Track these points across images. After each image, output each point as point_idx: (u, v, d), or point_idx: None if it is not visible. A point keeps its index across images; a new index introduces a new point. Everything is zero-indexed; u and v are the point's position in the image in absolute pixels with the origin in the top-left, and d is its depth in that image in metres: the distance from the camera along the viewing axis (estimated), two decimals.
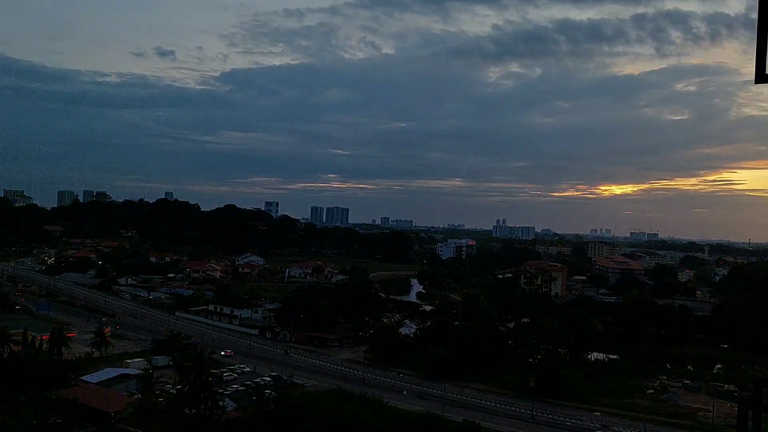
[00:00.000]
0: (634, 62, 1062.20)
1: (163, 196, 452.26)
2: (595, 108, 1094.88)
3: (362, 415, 78.71)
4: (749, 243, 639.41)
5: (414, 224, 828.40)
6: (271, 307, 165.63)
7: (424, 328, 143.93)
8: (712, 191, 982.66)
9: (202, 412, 73.38)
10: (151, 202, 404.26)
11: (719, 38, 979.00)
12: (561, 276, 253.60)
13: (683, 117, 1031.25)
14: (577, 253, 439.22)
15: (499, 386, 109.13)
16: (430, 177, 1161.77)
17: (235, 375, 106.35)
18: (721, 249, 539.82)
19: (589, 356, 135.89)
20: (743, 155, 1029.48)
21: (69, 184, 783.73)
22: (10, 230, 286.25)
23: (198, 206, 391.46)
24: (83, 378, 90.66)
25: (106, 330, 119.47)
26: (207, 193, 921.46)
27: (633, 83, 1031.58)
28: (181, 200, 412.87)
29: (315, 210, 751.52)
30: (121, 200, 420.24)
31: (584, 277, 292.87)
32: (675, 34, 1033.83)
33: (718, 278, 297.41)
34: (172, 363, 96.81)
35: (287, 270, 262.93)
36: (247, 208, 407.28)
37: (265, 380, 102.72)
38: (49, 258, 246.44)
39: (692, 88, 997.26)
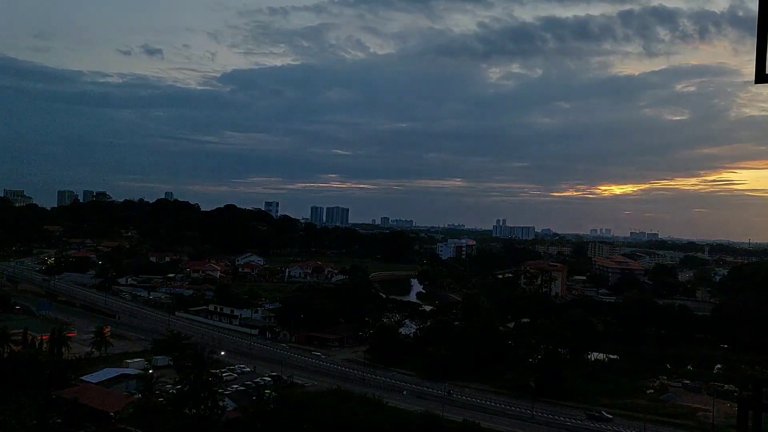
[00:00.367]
0: (633, 63, 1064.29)
1: (163, 196, 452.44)
2: (595, 108, 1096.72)
3: (362, 415, 78.75)
4: (749, 243, 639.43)
5: (414, 224, 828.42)
6: (271, 307, 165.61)
7: (424, 328, 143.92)
8: (712, 191, 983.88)
9: (202, 412, 73.45)
10: (151, 202, 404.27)
11: (708, 36, 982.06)
12: (561, 276, 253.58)
13: (683, 117, 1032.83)
14: (577, 253, 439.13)
15: (499, 386, 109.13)
16: (430, 177, 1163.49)
17: (235, 375, 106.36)
18: (721, 249, 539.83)
19: (589, 356, 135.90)
20: (743, 155, 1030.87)
21: (69, 184, 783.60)
22: (10, 230, 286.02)
23: (198, 206, 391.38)
24: (83, 378, 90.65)
25: (106, 330, 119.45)
26: (207, 193, 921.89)
27: (633, 84, 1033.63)
28: (181, 200, 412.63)
29: (315, 210, 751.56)
30: (121, 200, 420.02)
31: (584, 277, 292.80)
32: (662, 32, 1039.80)
33: (718, 278, 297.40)
34: (172, 363, 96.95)
35: (287, 270, 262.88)
36: (247, 208, 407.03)
37: (265, 380, 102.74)
38: (49, 258, 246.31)
39: (692, 89, 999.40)
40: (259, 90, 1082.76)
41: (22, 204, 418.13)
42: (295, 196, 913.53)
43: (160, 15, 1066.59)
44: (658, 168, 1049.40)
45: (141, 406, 76.32)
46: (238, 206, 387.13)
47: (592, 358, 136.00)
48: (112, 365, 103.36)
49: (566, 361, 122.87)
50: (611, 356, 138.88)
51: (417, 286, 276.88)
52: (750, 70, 6.79)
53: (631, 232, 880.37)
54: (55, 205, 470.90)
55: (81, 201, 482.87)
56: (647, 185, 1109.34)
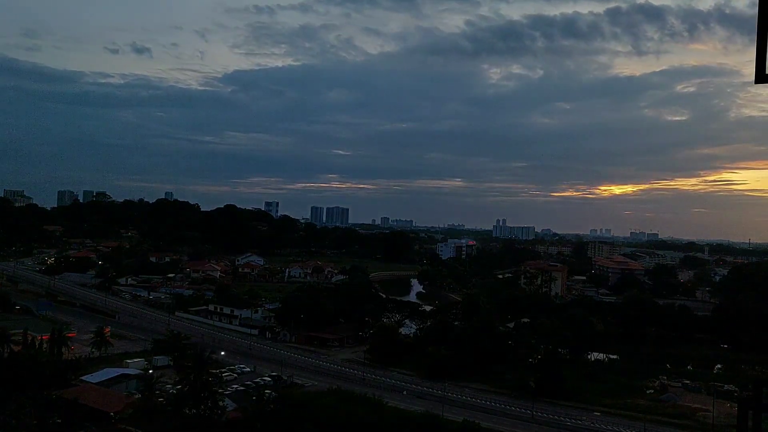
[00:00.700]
0: (634, 63, 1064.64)
1: (163, 196, 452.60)
2: (595, 109, 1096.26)
3: (362, 415, 78.71)
4: (749, 243, 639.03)
5: (414, 224, 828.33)
6: (271, 307, 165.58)
7: (424, 328, 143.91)
8: (712, 191, 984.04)
9: (202, 412, 73.46)
10: (151, 202, 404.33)
11: (697, 33, 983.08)
12: (561, 276, 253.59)
13: (683, 117, 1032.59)
14: (577, 253, 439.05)
15: (499, 386, 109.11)
16: (430, 177, 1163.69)
17: (235, 375, 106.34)
18: (721, 249, 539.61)
19: (589, 356, 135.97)
20: (743, 155, 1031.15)
21: (69, 184, 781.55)
22: (10, 230, 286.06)
23: (198, 206, 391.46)
24: (83, 378, 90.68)
25: (106, 330, 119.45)
26: (207, 193, 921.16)
27: (634, 84, 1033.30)
28: (181, 200, 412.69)
29: (315, 210, 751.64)
30: (121, 200, 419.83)
31: (584, 277, 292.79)
32: (651, 30, 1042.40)
33: (718, 278, 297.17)
34: (172, 363, 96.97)
35: (287, 270, 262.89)
36: (247, 208, 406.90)
37: (265, 380, 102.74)
38: (49, 258, 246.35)
39: (692, 89, 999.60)
40: (260, 90, 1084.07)
41: (22, 204, 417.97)
42: (295, 196, 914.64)
43: (147, 13, 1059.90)
44: (658, 168, 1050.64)
45: (141, 406, 76.33)
46: (238, 206, 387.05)
47: (592, 358, 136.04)
48: (112, 365, 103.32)
49: (566, 361, 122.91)
50: (611, 356, 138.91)
51: (417, 286, 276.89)
52: (749, 70, 6.79)
53: (631, 232, 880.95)
54: (55, 205, 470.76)
55: (81, 201, 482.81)
56: (647, 185, 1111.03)
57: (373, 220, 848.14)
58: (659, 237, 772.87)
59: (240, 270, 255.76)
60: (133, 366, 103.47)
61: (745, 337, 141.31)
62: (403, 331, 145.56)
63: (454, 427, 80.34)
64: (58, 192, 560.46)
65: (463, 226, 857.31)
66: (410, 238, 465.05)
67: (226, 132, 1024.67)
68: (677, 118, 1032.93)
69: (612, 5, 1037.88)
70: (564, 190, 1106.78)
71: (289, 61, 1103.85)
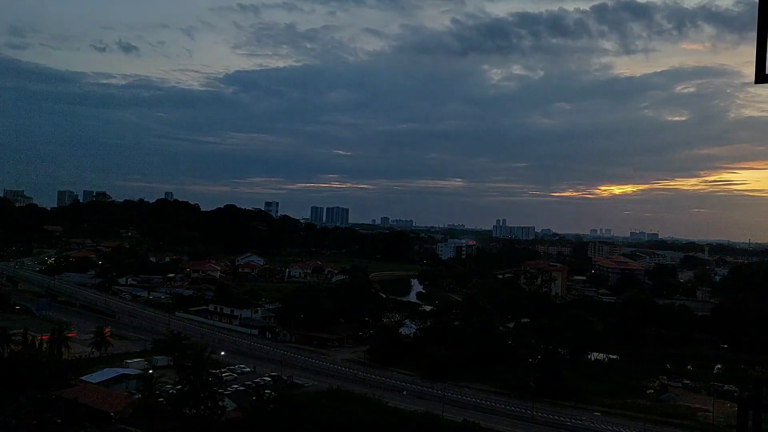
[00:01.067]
0: (634, 64, 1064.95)
1: (163, 196, 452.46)
2: (596, 109, 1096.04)
3: (362, 415, 78.71)
4: (749, 243, 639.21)
5: (414, 224, 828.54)
6: (271, 307, 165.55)
7: (424, 328, 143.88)
8: (712, 191, 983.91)
9: (202, 412, 73.44)
10: (151, 202, 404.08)
11: (685, 31, 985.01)
12: (561, 276, 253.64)
13: (683, 118, 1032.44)
14: (577, 253, 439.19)
15: (499, 386, 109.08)
16: (430, 177, 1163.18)
17: (235, 375, 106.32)
18: (721, 249, 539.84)
19: (589, 356, 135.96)
20: (743, 156, 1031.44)
21: (69, 184, 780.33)
22: (10, 230, 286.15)
23: (198, 206, 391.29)
24: (83, 378, 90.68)
25: (106, 330, 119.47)
26: (207, 193, 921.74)
27: (634, 85, 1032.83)
28: (181, 200, 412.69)
29: (315, 210, 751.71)
30: (121, 200, 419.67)
31: (584, 277, 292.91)
32: (638, 28, 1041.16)
33: (718, 278, 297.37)
34: (172, 363, 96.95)
35: (287, 270, 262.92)
36: (247, 208, 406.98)
37: (265, 380, 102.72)
38: (49, 258, 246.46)
39: (692, 90, 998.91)
40: (261, 91, 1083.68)
41: (22, 204, 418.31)
42: (295, 196, 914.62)
43: (133, 11, 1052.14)
44: (658, 168, 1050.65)
45: (141, 406, 76.24)
46: (238, 206, 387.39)
47: (592, 358, 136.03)
48: (112, 365, 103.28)
49: (566, 361, 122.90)
50: (611, 356, 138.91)
51: (417, 286, 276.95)
52: (748, 70, 6.78)
53: (631, 232, 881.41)
54: (55, 205, 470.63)
55: (81, 201, 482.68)
56: (647, 185, 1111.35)
57: (373, 220, 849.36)
58: (659, 237, 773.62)
59: (240, 270, 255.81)
60: (133, 366, 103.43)
61: (745, 337, 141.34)
62: (403, 331, 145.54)
63: (454, 427, 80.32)
64: (58, 192, 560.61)
65: (463, 226, 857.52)
66: (410, 238, 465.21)
67: (227, 132, 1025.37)
68: (677, 119, 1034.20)
69: (598, 2, 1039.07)
70: (564, 190, 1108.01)
71: (290, 62, 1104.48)
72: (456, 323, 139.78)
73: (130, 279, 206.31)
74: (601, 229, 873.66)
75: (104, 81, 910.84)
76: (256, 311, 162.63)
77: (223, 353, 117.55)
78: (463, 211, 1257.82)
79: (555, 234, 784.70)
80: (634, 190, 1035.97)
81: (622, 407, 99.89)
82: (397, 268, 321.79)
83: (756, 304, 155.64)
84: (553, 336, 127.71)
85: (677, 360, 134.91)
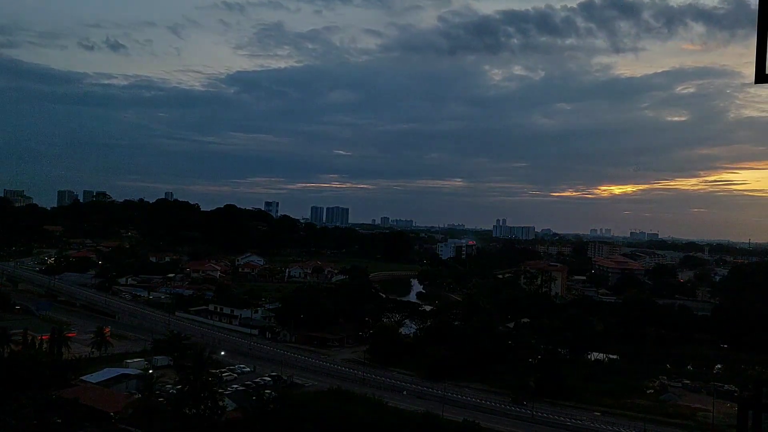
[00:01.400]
0: (635, 65, 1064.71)
1: (164, 196, 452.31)
2: (596, 109, 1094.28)
3: (362, 415, 78.71)
4: (749, 243, 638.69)
5: (414, 224, 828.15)
6: (271, 307, 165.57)
7: (424, 328, 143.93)
8: (712, 191, 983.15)
9: (202, 412, 73.42)
10: (151, 202, 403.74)
11: (674, 28, 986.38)
12: (561, 276, 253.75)
13: (683, 118, 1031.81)
14: (577, 253, 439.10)
15: (499, 386, 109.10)
16: (430, 177, 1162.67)
17: (235, 375, 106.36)
18: (721, 249, 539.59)
19: (589, 356, 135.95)
20: (743, 156, 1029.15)
21: (69, 184, 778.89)
22: (10, 230, 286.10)
23: (198, 206, 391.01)
24: (83, 378, 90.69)
25: (106, 330, 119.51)
26: (207, 193, 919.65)
27: (634, 85, 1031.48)
28: (181, 200, 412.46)
29: (315, 210, 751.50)
30: (121, 200, 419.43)
31: (584, 277, 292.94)
32: (625, 25, 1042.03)
33: (718, 278, 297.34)
34: (172, 363, 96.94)
35: (287, 270, 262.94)
36: (247, 208, 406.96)
37: (265, 380, 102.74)
38: (49, 258, 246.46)
39: (692, 90, 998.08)
40: (262, 91, 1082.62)
41: (22, 204, 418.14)
42: (295, 196, 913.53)
43: (118, 9, 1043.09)
44: (658, 168, 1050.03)
45: (141, 406, 76.23)
46: (239, 206, 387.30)
47: (592, 358, 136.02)
48: (112, 365, 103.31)
49: (566, 361, 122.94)
50: (611, 356, 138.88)
51: (417, 286, 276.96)
52: (748, 71, 6.79)
53: (631, 232, 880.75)
54: (55, 205, 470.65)
55: (81, 201, 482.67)
56: (647, 185, 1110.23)
57: (373, 220, 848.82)
58: (659, 237, 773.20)
59: (240, 270, 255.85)
60: (133, 366, 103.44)
61: (745, 337, 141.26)
62: (403, 331, 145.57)
63: (454, 427, 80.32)
64: (58, 192, 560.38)
65: (463, 226, 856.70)
66: (410, 238, 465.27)
67: (228, 132, 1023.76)
68: (677, 119, 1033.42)
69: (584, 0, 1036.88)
70: (564, 190, 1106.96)
71: (291, 62, 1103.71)
72: (456, 323, 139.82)
73: (130, 279, 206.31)
74: (601, 229, 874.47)
75: (106, 81, 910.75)
76: (256, 311, 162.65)
77: (223, 353, 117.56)
78: (463, 211, 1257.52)
79: (555, 234, 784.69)
80: (634, 190, 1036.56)
81: (622, 407, 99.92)
82: (397, 268, 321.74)
83: (756, 304, 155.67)
84: (553, 336, 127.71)
85: (677, 360, 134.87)
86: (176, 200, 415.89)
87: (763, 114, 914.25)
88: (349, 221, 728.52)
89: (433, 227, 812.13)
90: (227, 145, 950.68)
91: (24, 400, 69.17)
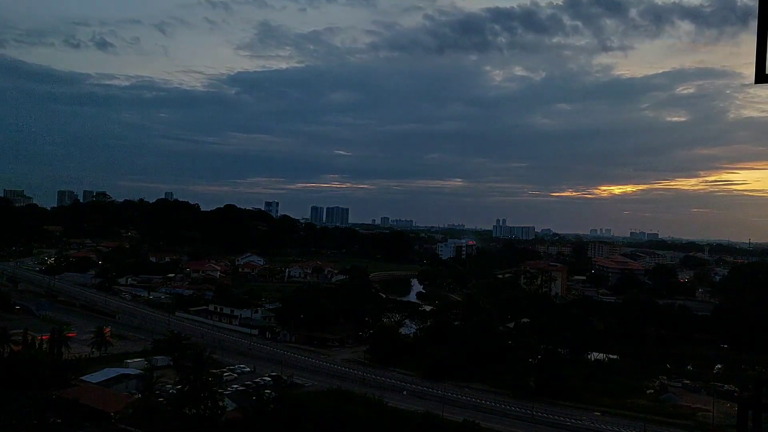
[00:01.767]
0: (635, 65, 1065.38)
1: (164, 196, 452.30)
2: (596, 110, 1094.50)
3: (362, 415, 78.69)
4: (749, 243, 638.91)
5: (414, 224, 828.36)
6: (271, 307, 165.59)
7: (424, 328, 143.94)
8: (711, 191, 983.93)
9: (202, 412, 73.40)
10: (151, 202, 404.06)
11: (661, 25, 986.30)
12: (561, 276, 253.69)
13: (683, 119, 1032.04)
14: (577, 253, 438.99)
15: (499, 386, 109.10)
16: (430, 177, 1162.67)
17: (235, 375, 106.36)
18: (721, 249, 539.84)
19: (589, 356, 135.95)
20: (742, 156, 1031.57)
21: (69, 184, 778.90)
22: (10, 230, 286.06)
23: (198, 206, 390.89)
24: (83, 378, 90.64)
25: (106, 330, 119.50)
26: (207, 193, 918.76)
27: (635, 86, 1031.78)
28: (181, 200, 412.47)
29: (315, 210, 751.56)
30: (121, 200, 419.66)
31: (584, 277, 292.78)
32: (611, 23, 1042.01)
33: (718, 278, 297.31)
34: (172, 363, 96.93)
35: (287, 270, 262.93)
36: (247, 208, 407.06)
37: (265, 380, 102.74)
38: (49, 258, 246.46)
39: (691, 91, 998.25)
40: (264, 92, 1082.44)
41: (22, 204, 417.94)
42: (295, 196, 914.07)
43: (103, 6, 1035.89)
44: (658, 168, 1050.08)
45: (141, 406, 76.29)
46: (239, 206, 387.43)
47: (592, 358, 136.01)
48: (112, 365, 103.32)
49: (566, 361, 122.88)
50: (611, 356, 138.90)
51: (417, 287, 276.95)
52: (748, 71, 6.79)
53: (631, 232, 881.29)
54: (55, 205, 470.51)
55: (81, 201, 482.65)
56: (647, 185, 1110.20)
57: (373, 220, 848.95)
58: (659, 237, 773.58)
59: (240, 270, 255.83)
60: (133, 366, 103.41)
61: (745, 337, 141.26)
62: (403, 331, 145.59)
63: (454, 427, 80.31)
64: (58, 192, 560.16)
65: (463, 226, 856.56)
66: (410, 238, 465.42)
67: (229, 132, 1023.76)
68: (677, 119, 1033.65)
69: None
70: (564, 190, 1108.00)
71: (293, 63, 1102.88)
72: (456, 323, 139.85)
73: (130, 279, 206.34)
74: (601, 229, 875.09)
75: (107, 82, 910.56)
76: (256, 311, 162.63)
77: (223, 353, 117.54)
78: (463, 211, 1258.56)
79: (555, 234, 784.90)
80: (634, 190, 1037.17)
81: (622, 407, 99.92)
82: (397, 268, 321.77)
83: (756, 304, 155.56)
84: (553, 336, 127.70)
85: (677, 360, 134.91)
86: (176, 200, 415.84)
87: (763, 114, 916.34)
88: (349, 221, 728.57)
89: (433, 227, 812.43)
90: (228, 145, 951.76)
91: (24, 400, 69.15)
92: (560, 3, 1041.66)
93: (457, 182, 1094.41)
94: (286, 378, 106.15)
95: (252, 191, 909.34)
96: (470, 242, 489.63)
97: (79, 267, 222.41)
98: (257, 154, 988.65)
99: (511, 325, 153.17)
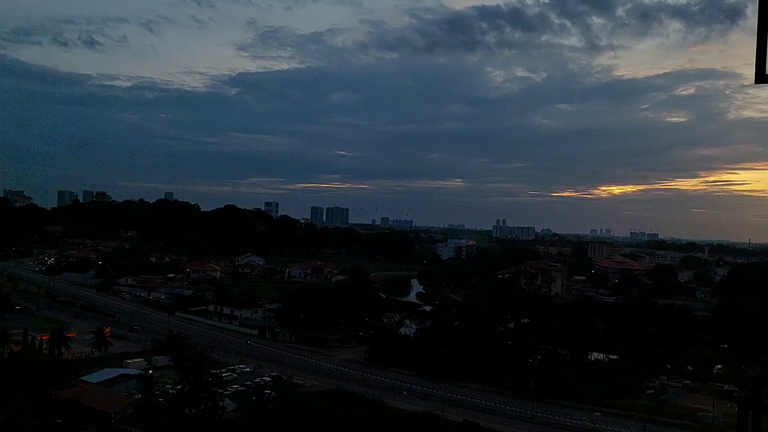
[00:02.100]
0: (636, 66, 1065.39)
1: (163, 196, 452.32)
2: (596, 111, 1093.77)
3: (362, 415, 78.72)
4: (749, 243, 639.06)
5: (414, 224, 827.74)
6: (271, 307, 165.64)
7: (424, 328, 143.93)
8: (711, 191, 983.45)
9: (202, 412, 73.34)
10: (151, 202, 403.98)
11: (648, 23, 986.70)
12: (561, 276, 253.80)
13: (683, 119, 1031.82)
14: (577, 253, 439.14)
15: (498, 386, 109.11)
16: (430, 177, 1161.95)
17: (235, 375, 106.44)
18: (721, 249, 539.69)
19: (589, 356, 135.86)
20: (742, 156, 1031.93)
21: (69, 184, 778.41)
22: (10, 230, 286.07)
23: (198, 206, 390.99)
24: (83, 378, 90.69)
25: (106, 330, 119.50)
26: (207, 193, 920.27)
27: (636, 87, 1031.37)
28: (181, 200, 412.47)
29: (315, 210, 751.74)
30: (121, 200, 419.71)
31: (584, 277, 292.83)
32: (599, 21, 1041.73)
33: (718, 278, 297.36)
34: (172, 363, 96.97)
35: (287, 270, 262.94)
36: (248, 209, 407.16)
37: (265, 380, 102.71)
38: (49, 258, 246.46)
39: (691, 91, 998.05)
40: (265, 92, 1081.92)
41: (22, 204, 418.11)
42: (295, 196, 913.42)
43: (89, 4, 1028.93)
44: (658, 169, 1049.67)
45: (141, 406, 76.31)
46: (239, 206, 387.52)
47: (592, 358, 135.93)
48: (112, 365, 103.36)
49: (566, 361, 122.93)
50: (611, 356, 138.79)
51: (417, 287, 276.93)
52: (748, 72, 6.79)
53: (631, 232, 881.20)
54: (55, 205, 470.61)
55: (81, 201, 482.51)
56: (647, 185, 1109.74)
57: (373, 220, 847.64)
58: (659, 237, 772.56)
59: (240, 270, 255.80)
60: (133, 366, 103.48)
61: (745, 337, 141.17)
62: (403, 331, 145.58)
63: (454, 427, 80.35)
64: (58, 192, 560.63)
65: (463, 226, 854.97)
66: (410, 238, 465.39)
67: (229, 133, 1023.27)
68: (677, 120, 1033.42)
69: None
70: (564, 191, 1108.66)
71: (294, 64, 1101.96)
72: (456, 323, 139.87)
73: (130, 279, 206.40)
74: (601, 229, 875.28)
75: (109, 83, 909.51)
76: (256, 311, 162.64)
77: (223, 353, 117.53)
78: (463, 211, 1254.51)
79: (555, 234, 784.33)
80: (634, 190, 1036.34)
81: (622, 407, 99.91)
82: (397, 268, 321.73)
83: (756, 304, 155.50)
84: (553, 336, 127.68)
85: (677, 360, 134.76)
86: (176, 200, 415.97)
87: (763, 114, 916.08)
88: (349, 221, 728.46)
89: (433, 227, 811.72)
90: (228, 145, 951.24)
91: (24, 401, 69.12)
92: (547, 1, 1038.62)
93: (457, 182, 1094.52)
94: (286, 378, 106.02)
95: (252, 191, 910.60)
96: (470, 242, 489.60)
97: (79, 267, 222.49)
98: (257, 155, 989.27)
99: (511, 325, 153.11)
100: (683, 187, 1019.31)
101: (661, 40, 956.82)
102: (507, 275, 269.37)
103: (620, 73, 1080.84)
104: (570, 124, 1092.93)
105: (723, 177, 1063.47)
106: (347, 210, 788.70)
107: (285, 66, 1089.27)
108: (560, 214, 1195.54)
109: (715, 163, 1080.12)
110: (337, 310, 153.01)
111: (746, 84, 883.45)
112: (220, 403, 75.83)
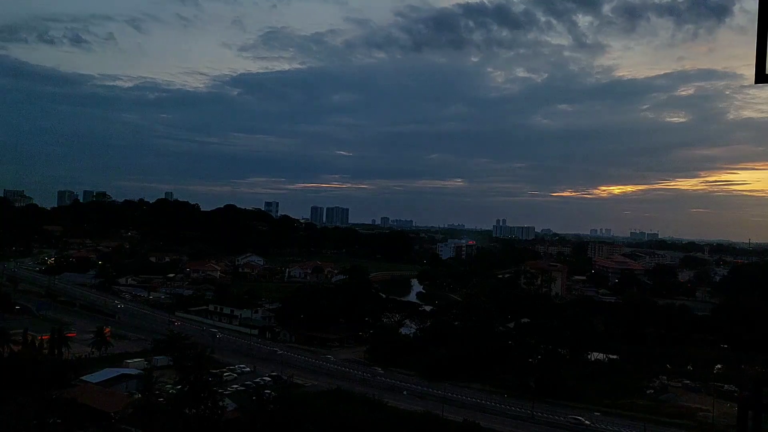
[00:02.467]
0: (637, 66, 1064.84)
1: (163, 196, 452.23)
2: (596, 111, 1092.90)
3: (362, 415, 78.74)
4: (749, 243, 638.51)
5: (414, 224, 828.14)
6: (271, 307, 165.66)
7: (424, 328, 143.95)
8: (711, 191, 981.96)
9: (202, 412, 73.32)
10: (151, 202, 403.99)
11: (635, 20, 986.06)
12: (561, 276, 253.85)
13: (683, 119, 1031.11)
14: (577, 253, 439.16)
15: (499, 386, 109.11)
16: (430, 177, 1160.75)
17: (235, 375, 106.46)
18: (721, 249, 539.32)
19: (589, 356, 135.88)
20: (742, 156, 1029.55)
21: (69, 184, 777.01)
22: (10, 230, 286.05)
23: (198, 206, 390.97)
24: (83, 378, 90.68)
25: (106, 330, 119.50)
26: (207, 193, 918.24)
27: (636, 87, 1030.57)
28: (181, 200, 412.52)
29: (315, 210, 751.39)
30: (121, 200, 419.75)
31: (584, 277, 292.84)
32: (585, 19, 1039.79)
33: (718, 278, 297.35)
34: (172, 363, 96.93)
35: (287, 270, 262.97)
36: (247, 208, 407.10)
37: (265, 380, 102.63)
38: (49, 258, 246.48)
39: (691, 92, 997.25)
40: (266, 93, 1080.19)
41: (22, 204, 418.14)
42: (296, 196, 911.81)
43: (73, 2, 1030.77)
44: (658, 169, 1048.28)
45: (141, 406, 76.19)
46: (239, 206, 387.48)
47: (592, 358, 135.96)
48: (112, 365, 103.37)
49: (566, 361, 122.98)
50: (611, 356, 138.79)
51: (417, 287, 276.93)
52: (748, 72, 6.77)
53: (631, 232, 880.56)
54: (55, 205, 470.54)
55: (81, 201, 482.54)
56: (647, 185, 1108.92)
57: (373, 220, 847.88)
58: (659, 237, 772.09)
59: (240, 270, 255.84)
60: (133, 366, 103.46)
61: (745, 337, 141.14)
62: (403, 331, 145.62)
63: (454, 427, 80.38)
64: (58, 192, 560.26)
65: (463, 226, 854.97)
66: (410, 238, 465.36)
67: (230, 133, 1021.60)
68: (677, 120, 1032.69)
69: None
70: (564, 190, 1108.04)
71: (295, 65, 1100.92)
72: (456, 323, 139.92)
73: (130, 279, 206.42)
74: (601, 229, 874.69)
75: (110, 83, 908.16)
76: (256, 311, 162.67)
77: (223, 353, 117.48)
78: (463, 211, 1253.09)
79: (555, 234, 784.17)
80: (634, 190, 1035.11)
81: (622, 407, 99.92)
82: (397, 268, 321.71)
83: (756, 304, 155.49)
84: (553, 336, 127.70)
85: (677, 360, 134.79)
86: (176, 200, 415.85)
87: (763, 114, 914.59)
88: (349, 221, 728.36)
89: (433, 227, 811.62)
90: (228, 145, 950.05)
91: (24, 400, 69.13)
92: None
93: (458, 182, 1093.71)
94: (286, 378, 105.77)
95: (252, 191, 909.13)
96: (470, 242, 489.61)
97: (79, 267, 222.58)
98: (258, 155, 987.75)
99: (511, 325, 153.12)
100: (683, 187, 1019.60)
101: (652, 38, 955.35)
102: (507, 275, 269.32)
103: (621, 74, 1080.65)
104: (570, 124, 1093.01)
105: (723, 177, 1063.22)
106: (347, 210, 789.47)
107: (286, 66, 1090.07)
108: (560, 214, 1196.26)
109: (715, 163, 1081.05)
110: (337, 310, 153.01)
111: (746, 84, 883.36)
112: (220, 403, 75.77)
